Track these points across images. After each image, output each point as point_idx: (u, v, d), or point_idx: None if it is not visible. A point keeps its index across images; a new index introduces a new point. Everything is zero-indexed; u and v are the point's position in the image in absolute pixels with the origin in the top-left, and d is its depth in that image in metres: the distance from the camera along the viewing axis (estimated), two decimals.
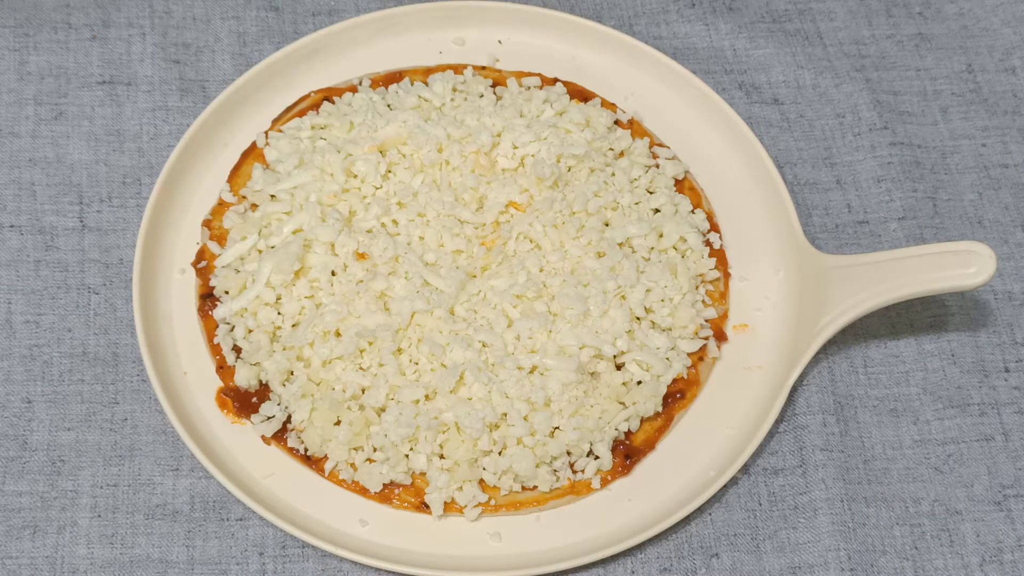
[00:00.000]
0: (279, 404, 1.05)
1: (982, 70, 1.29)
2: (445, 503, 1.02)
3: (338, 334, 1.06)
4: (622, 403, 1.06)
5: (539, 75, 1.21)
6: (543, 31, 1.24)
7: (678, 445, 1.07)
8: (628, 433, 1.06)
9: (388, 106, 1.17)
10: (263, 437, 1.05)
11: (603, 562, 1.03)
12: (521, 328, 1.05)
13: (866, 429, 1.10)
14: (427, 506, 1.02)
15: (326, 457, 1.04)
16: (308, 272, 1.08)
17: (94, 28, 1.24)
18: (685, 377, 1.08)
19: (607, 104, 1.21)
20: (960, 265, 1.05)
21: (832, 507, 1.06)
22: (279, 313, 1.07)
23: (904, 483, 1.08)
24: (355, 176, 1.13)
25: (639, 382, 1.06)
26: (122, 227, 1.15)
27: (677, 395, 1.07)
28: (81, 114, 1.20)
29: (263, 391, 1.06)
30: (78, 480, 1.04)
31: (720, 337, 1.11)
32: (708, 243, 1.14)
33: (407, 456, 1.03)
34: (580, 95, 1.21)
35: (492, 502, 1.03)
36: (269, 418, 1.04)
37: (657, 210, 1.15)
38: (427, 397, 1.04)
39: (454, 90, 1.18)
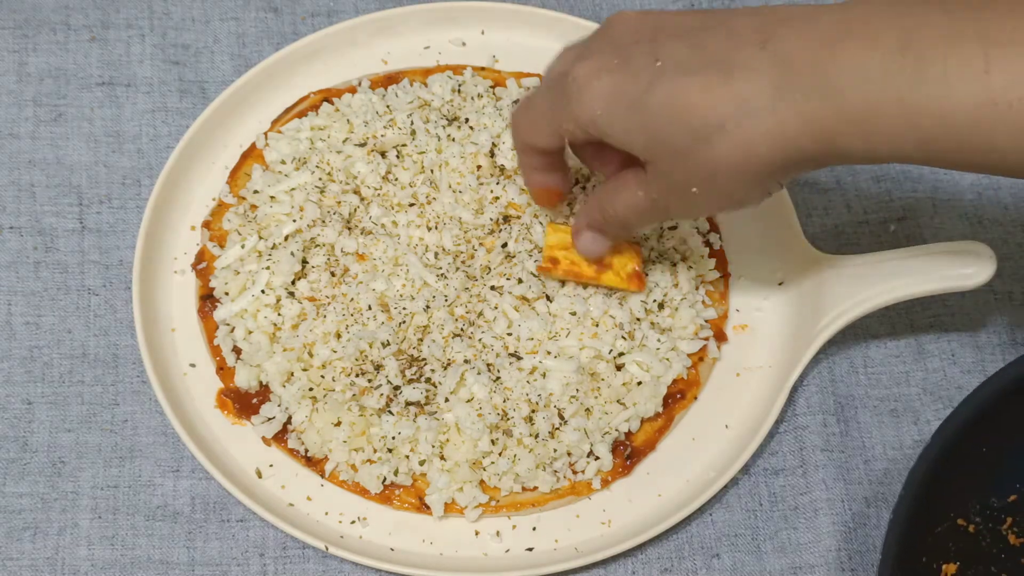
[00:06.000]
0: (279, 405, 1.05)
1: None
2: (445, 504, 1.02)
3: (338, 335, 1.06)
4: (622, 403, 1.06)
5: (539, 75, 1.21)
6: (543, 31, 1.24)
7: (678, 445, 1.07)
8: (628, 433, 1.06)
9: (387, 107, 1.17)
10: (263, 438, 1.05)
11: (603, 562, 1.03)
12: (521, 328, 1.05)
13: (866, 429, 1.10)
14: (427, 507, 1.02)
15: (326, 458, 1.04)
16: (308, 273, 1.08)
17: (93, 29, 1.24)
18: (685, 377, 1.08)
19: None
20: (960, 265, 1.05)
21: (833, 507, 1.06)
22: (279, 314, 1.07)
23: None
24: (355, 177, 1.13)
25: (639, 383, 1.06)
26: (122, 228, 1.15)
27: (677, 395, 1.07)
28: (80, 115, 1.20)
29: (263, 392, 1.06)
30: (78, 481, 1.04)
31: (720, 337, 1.11)
32: (708, 243, 1.14)
33: (407, 457, 1.03)
34: None
35: (492, 503, 1.03)
36: (269, 419, 1.04)
37: None
38: (427, 397, 1.04)
39: (453, 91, 1.18)
